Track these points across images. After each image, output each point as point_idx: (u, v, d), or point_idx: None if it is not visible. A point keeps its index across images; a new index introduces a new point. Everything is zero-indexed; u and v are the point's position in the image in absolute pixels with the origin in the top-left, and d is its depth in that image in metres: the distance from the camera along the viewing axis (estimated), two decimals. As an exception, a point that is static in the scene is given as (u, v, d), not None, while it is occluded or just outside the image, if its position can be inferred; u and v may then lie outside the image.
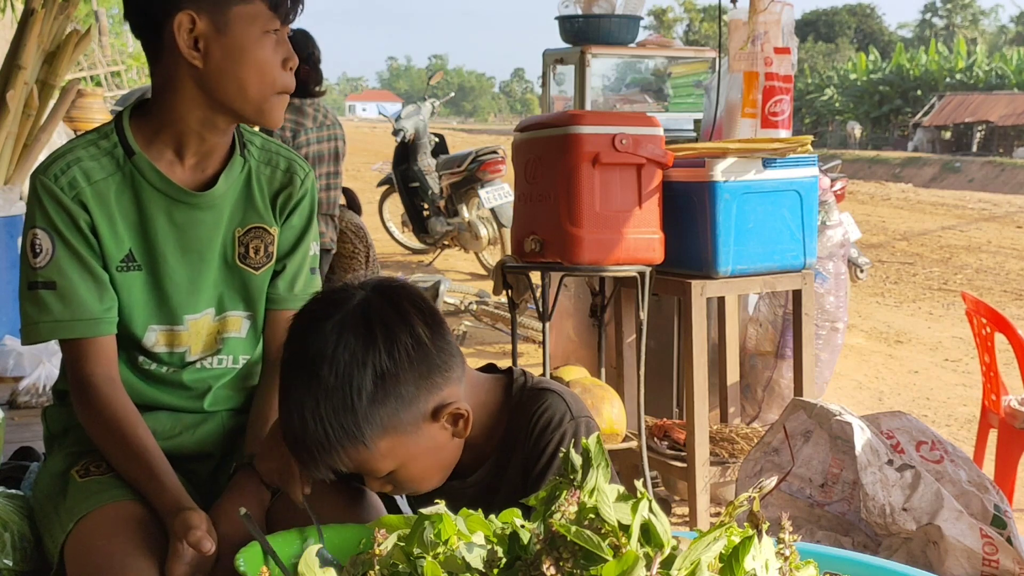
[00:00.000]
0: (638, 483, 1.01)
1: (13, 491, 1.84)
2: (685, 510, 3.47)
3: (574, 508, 0.98)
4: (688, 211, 3.13)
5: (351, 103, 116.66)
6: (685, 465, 3.25)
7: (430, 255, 10.40)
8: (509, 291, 3.29)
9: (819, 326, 3.81)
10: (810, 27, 70.46)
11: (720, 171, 3.05)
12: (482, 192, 8.91)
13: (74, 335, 1.64)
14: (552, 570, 0.93)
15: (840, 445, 2.40)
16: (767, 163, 3.11)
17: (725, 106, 3.55)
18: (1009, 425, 3.51)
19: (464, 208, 9.28)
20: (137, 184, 1.66)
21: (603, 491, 0.98)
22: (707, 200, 3.07)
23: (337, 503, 1.59)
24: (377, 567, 1.07)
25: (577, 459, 1.02)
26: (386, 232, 10.91)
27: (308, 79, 4.68)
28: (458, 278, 9.22)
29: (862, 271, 8.64)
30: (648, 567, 0.92)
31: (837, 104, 47.23)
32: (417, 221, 9.90)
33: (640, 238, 3.06)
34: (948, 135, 37.43)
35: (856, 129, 42.54)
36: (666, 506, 3.75)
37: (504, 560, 1.01)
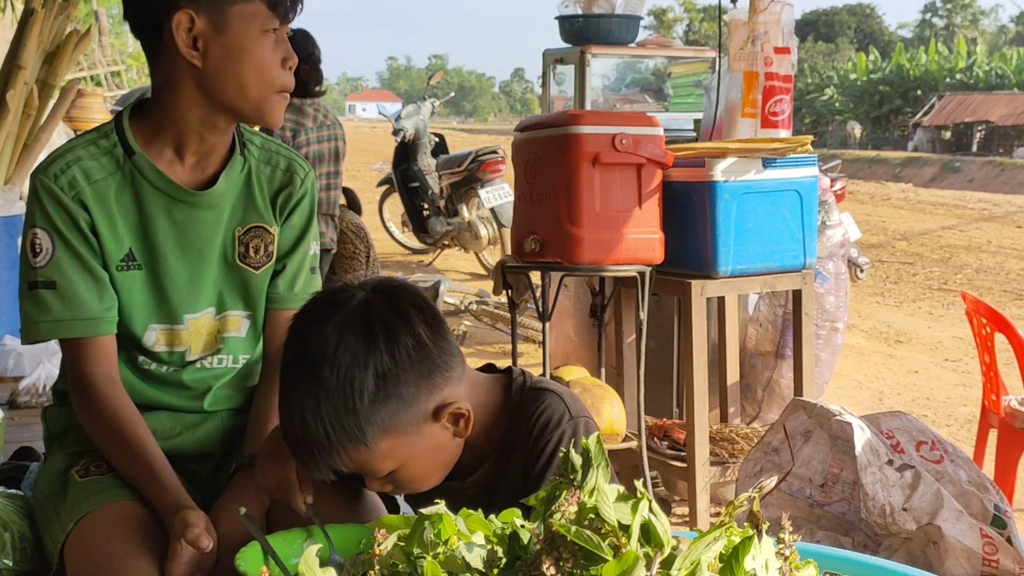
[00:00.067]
0: (638, 483, 1.01)
1: (13, 491, 1.84)
2: (685, 510, 3.47)
3: (574, 508, 0.98)
4: (688, 211, 3.13)
5: (351, 103, 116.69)
6: (685, 465, 3.25)
7: (430, 255, 10.40)
8: (509, 291, 3.29)
9: (819, 326, 3.81)
10: (810, 27, 70.46)
11: (720, 171, 3.05)
12: (482, 192, 8.91)
13: (74, 335, 1.64)
14: (552, 570, 0.93)
15: (840, 445, 2.40)
16: (767, 163, 3.11)
17: (725, 106, 3.55)
18: (1009, 425, 3.51)
19: (464, 208, 9.28)
20: (137, 183, 1.66)
21: (603, 491, 0.98)
22: (707, 200, 3.07)
23: (337, 503, 1.58)
24: (377, 567, 1.07)
25: (577, 459, 1.02)
26: (386, 232, 10.91)
27: (308, 79, 4.69)
28: (458, 278, 9.22)
29: (862, 271, 8.64)
30: (648, 567, 0.91)
31: (837, 104, 47.24)
32: (417, 221, 9.91)
33: (640, 238, 3.06)
34: (948, 135, 37.43)
35: (856, 129, 42.55)
36: (666, 506, 3.75)
37: (504, 560, 1.01)
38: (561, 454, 1.03)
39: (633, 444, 3.24)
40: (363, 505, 1.63)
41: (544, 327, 3.25)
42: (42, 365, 3.66)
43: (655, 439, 3.43)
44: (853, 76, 47.23)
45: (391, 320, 1.40)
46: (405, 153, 9.99)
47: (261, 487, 1.53)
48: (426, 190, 9.75)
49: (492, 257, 9.13)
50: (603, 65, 5.81)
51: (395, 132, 9.98)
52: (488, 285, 7.74)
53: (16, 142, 4.34)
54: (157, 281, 1.70)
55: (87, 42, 4.72)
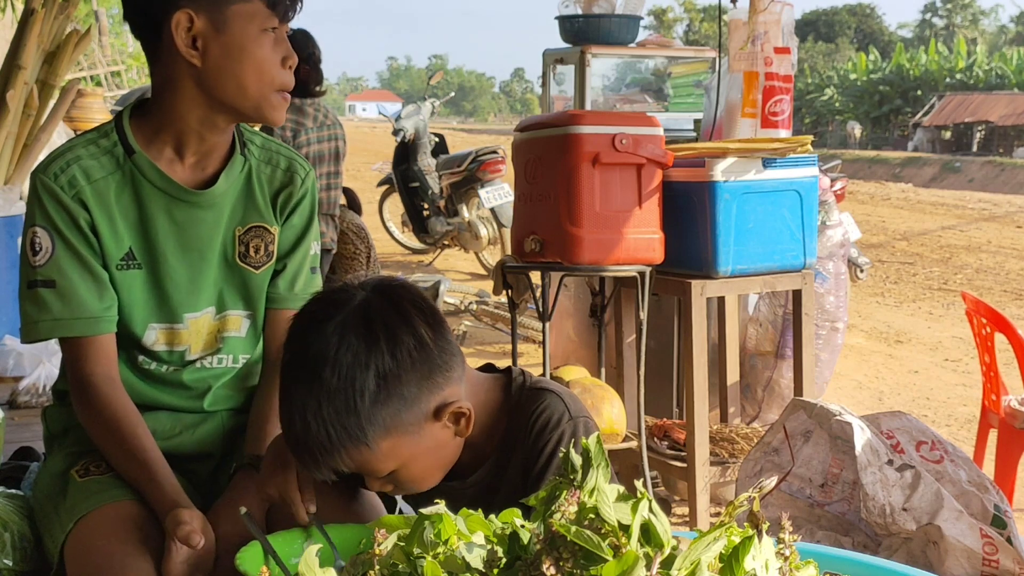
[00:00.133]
0: (638, 483, 1.01)
1: (13, 491, 1.84)
2: (685, 510, 3.47)
3: (574, 508, 0.98)
4: (688, 211, 3.13)
5: (351, 103, 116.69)
6: (685, 465, 3.25)
7: (430, 255, 10.40)
8: (509, 291, 3.29)
9: (819, 326, 3.81)
10: (810, 27, 70.46)
11: (720, 171, 3.05)
12: (482, 192, 8.91)
13: (73, 334, 1.64)
14: (552, 570, 0.93)
15: (840, 445, 2.40)
16: (767, 163, 3.11)
17: (725, 106, 3.55)
18: (1009, 425, 3.51)
19: (464, 208, 9.28)
20: (137, 182, 1.66)
21: (603, 491, 0.98)
22: (707, 200, 3.07)
23: (337, 503, 1.58)
24: (377, 567, 1.07)
25: (577, 459, 1.02)
26: (386, 232, 10.91)
27: (308, 79, 4.69)
28: (458, 278, 9.22)
29: (862, 271, 8.64)
30: (648, 567, 0.91)
31: (837, 104, 47.24)
32: (417, 221, 9.90)
33: (640, 238, 3.06)
34: (948, 135, 37.44)
35: (856, 129, 42.55)
36: (666, 506, 3.75)
37: (504, 560, 1.01)
38: (561, 454, 1.03)
39: (633, 444, 3.24)
40: (362, 505, 1.63)
41: (544, 327, 3.25)
42: (42, 365, 3.66)
43: (655, 439, 3.43)
44: (853, 76, 47.23)
45: (392, 320, 1.40)
46: (405, 153, 9.99)
47: (263, 494, 1.53)
48: (426, 190, 9.75)
49: (492, 257, 9.13)
50: (603, 65, 5.81)
51: (395, 132, 9.98)
52: (488, 285, 7.74)
53: (16, 142, 4.34)
54: (157, 280, 1.70)
55: (87, 42, 4.72)
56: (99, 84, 17.38)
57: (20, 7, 5.47)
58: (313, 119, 4.75)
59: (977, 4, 76.56)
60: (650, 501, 0.97)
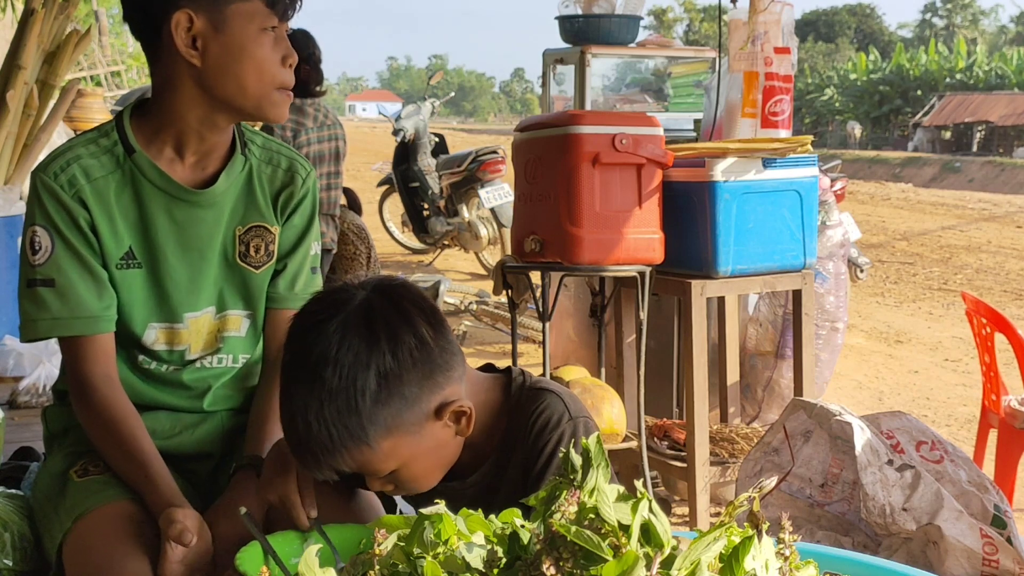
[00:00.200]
0: (638, 483, 1.01)
1: (13, 491, 1.84)
2: (685, 510, 3.47)
3: (574, 508, 0.98)
4: (688, 211, 3.13)
5: (351, 103, 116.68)
6: (685, 465, 3.25)
7: (430, 255, 10.40)
8: (509, 291, 3.29)
9: (819, 326, 3.81)
10: (810, 27, 70.46)
11: (720, 171, 3.05)
12: (482, 192, 8.91)
13: (72, 333, 1.64)
14: (552, 570, 0.93)
15: (840, 445, 2.40)
16: (767, 163, 3.11)
17: (725, 106, 3.55)
18: (1009, 425, 3.51)
19: (464, 208, 9.28)
20: (137, 182, 1.66)
21: (603, 491, 0.98)
22: (707, 200, 3.07)
23: (336, 503, 1.58)
24: (377, 567, 1.06)
25: (577, 459, 1.02)
26: (386, 232, 10.91)
27: (309, 79, 4.69)
28: (458, 278, 9.22)
29: (862, 271, 8.64)
30: (648, 567, 0.91)
31: (837, 104, 47.24)
32: (417, 221, 9.90)
33: (640, 238, 3.06)
34: (948, 135, 37.44)
35: (856, 129, 42.54)
36: (666, 506, 3.75)
37: (504, 560, 1.01)
38: (561, 454, 1.03)
39: (633, 444, 3.24)
40: (360, 505, 1.63)
41: (544, 327, 3.25)
42: (42, 365, 3.66)
43: (655, 439, 3.43)
44: (853, 76, 47.24)
45: (393, 320, 1.40)
46: (405, 153, 9.99)
47: (263, 499, 1.53)
48: (426, 190, 9.75)
49: (492, 257, 9.13)
50: (603, 65, 5.80)
51: (395, 132, 9.98)
52: (488, 285, 7.74)
53: (16, 142, 4.34)
54: (157, 280, 1.70)
55: (87, 42, 4.72)
56: (99, 84, 17.37)
57: (20, 7, 5.48)
58: (313, 119, 4.75)
59: (977, 4, 76.57)
60: (650, 501, 0.97)
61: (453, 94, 17.07)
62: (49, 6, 4.30)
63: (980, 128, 36.02)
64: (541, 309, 3.21)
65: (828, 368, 4.02)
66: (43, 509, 1.69)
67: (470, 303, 7.10)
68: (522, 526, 1.03)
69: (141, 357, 1.74)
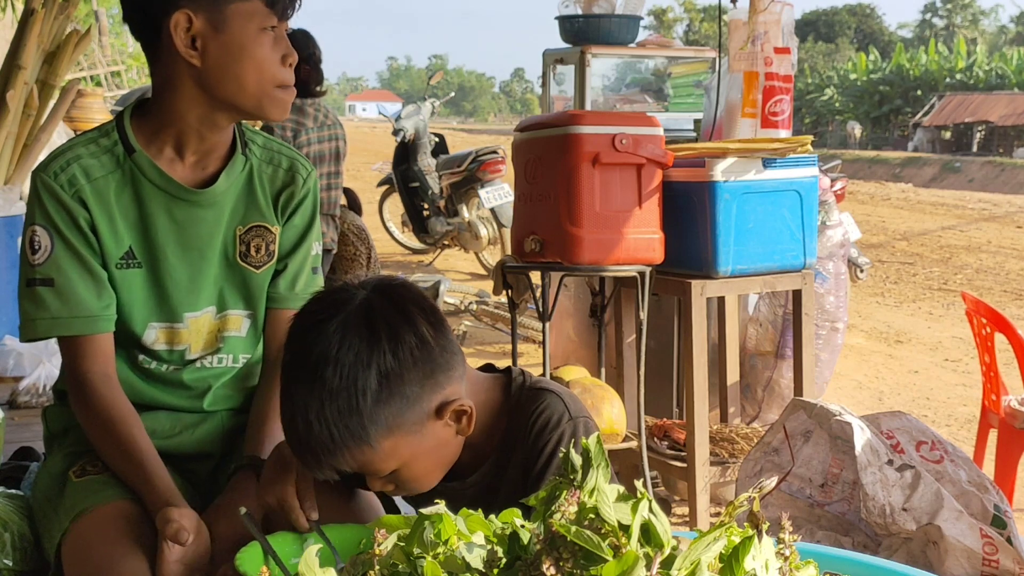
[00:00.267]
0: (638, 483, 1.01)
1: (13, 491, 1.84)
2: (685, 510, 3.47)
3: (574, 508, 0.98)
4: (688, 211, 3.13)
5: (351, 103, 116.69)
6: (685, 465, 3.25)
7: (430, 255, 10.40)
8: (509, 291, 3.29)
9: (819, 326, 3.81)
10: (810, 27, 70.46)
11: (720, 171, 3.05)
12: (482, 192, 8.91)
13: (71, 332, 1.64)
14: (552, 570, 0.93)
15: (840, 445, 2.40)
16: (767, 163, 3.11)
17: (725, 106, 3.54)
18: (1009, 425, 3.51)
19: (464, 208, 9.28)
20: (137, 181, 1.66)
21: (603, 491, 0.98)
22: (707, 200, 3.07)
23: (337, 503, 1.58)
24: (377, 567, 1.06)
25: (577, 459, 1.02)
26: (386, 232, 10.91)
27: (309, 79, 4.69)
28: (458, 278, 9.22)
29: (862, 271, 8.64)
30: (648, 567, 0.91)
31: (837, 104, 47.24)
32: (417, 221, 9.91)
33: (640, 238, 3.06)
34: (948, 135, 37.44)
35: (856, 129, 42.54)
36: (666, 506, 3.75)
37: (504, 560, 1.01)
38: (561, 454, 1.03)
39: (633, 444, 3.24)
40: (360, 504, 1.63)
41: (544, 327, 3.25)
42: (42, 365, 3.66)
43: (655, 439, 3.43)
44: (853, 76, 47.24)
45: (393, 319, 1.40)
46: (405, 153, 9.99)
47: (262, 502, 1.53)
48: (426, 190, 9.75)
49: (492, 257, 9.13)
50: (603, 65, 5.80)
51: (395, 132, 9.98)
52: (488, 285, 7.74)
53: (16, 142, 4.35)
54: (157, 279, 1.70)
55: (87, 42, 4.72)
56: (99, 84, 17.37)
57: (20, 7, 5.48)
58: (313, 119, 4.75)
59: (977, 4, 76.57)
60: (650, 501, 0.97)
61: (453, 94, 17.07)
62: (49, 6, 4.31)
63: (980, 128, 36.02)
64: (541, 309, 3.21)
65: (828, 368, 4.02)
66: (42, 509, 1.69)
67: (470, 303, 7.10)
68: (522, 526, 1.03)
69: (141, 357, 1.74)
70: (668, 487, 3.85)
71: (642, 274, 3.09)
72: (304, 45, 4.64)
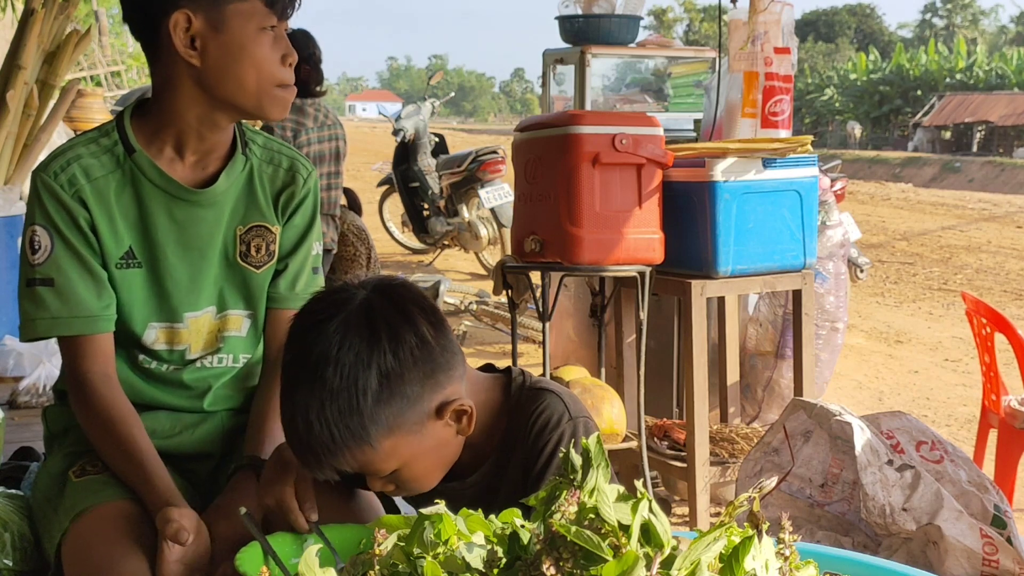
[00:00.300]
0: (638, 483, 1.01)
1: (13, 491, 1.84)
2: (685, 510, 3.47)
3: (574, 508, 0.98)
4: (688, 211, 3.13)
5: (351, 103, 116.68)
6: (685, 465, 3.25)
7: (430, 255, 10.40)
8: (509, 291, 3.29)
9: (819, 326, 3.81)
10: (810, 27, 70.46)
11: (720, 171, 3.05)
12: (482, 192, 8.91)
13: (71, 332, 1.64)
14: (552, 570, 0.93)
15: (840, 445, 2.40)
16: (767, 163, 3.11)
17: (725, 106, 3.54)
18: (1009, 425, 3.51)
19: (464, 208, 9.28)
20: (137, 181, 1.66)
21: (603, 491, 0.98)
22: (707, 200, 3.07)
23: (337, 503, 1.58)
24: (377, 567, 1.06)
25: (577, 459, 1.02)
26: (386, 232, 10.91)
27: (309, 79, 4.69)
28: (458, 278, 9.22)
29: (862, 271, 8.64)
30: (648, 567, 0.91)
31: (837, 104, 47.24)
32: (417, 221, 9.90)
33: (640, 238, 3.06)
34: (948, 135, 37.44)
35: (856, 129, 42.54)
36: (666, 506, 3.75)
37: (504, 560, 1.01)
38: (561, 454, 1.03)
39: (633, 444, 3.24)
40: (360, 504, 1.63)
41: (544, 327, 3.25)
42: (42, 365, 3.66)
43: (655, 439, 3.43)
44: (853, 76, 47.24)
45: (393, 319, 1.40)
46: (405, 153, 9.99)
47: (261, 504, 1.53)
48: (426, 190, 9.75)
49: (492, 257, 9.13)
50: (603, 65, 5.80)
51: (395, 132, 9.98)
52: (488, 285, 7.74)
53: (16, 142, 4.35)
54: (157, 279, 1.70)
55: (87, 42, 4.72)
56: (99, 84, 17.37)
57: (20, 7, 5.48)
58: (313, 119, 4.75)
59: (977, 4, 76.57)
60: (650, 501, 0.97)
61: (453, 94, 17.07)
62: (49, 6, 4.31)
63: (980, 128, 36.03)
64: (541, 309, 3.21)
65: (828, 368, 4.02)
66: (42, 509, 1.69)
67: (470, 303, 7.10)
68: (522, 526, 1.03)
69: (141, 357, 1.74)
70: (668, 487, 3.85)
71: (642, 274, 3.09)
72: (304, 45, 4.64)
